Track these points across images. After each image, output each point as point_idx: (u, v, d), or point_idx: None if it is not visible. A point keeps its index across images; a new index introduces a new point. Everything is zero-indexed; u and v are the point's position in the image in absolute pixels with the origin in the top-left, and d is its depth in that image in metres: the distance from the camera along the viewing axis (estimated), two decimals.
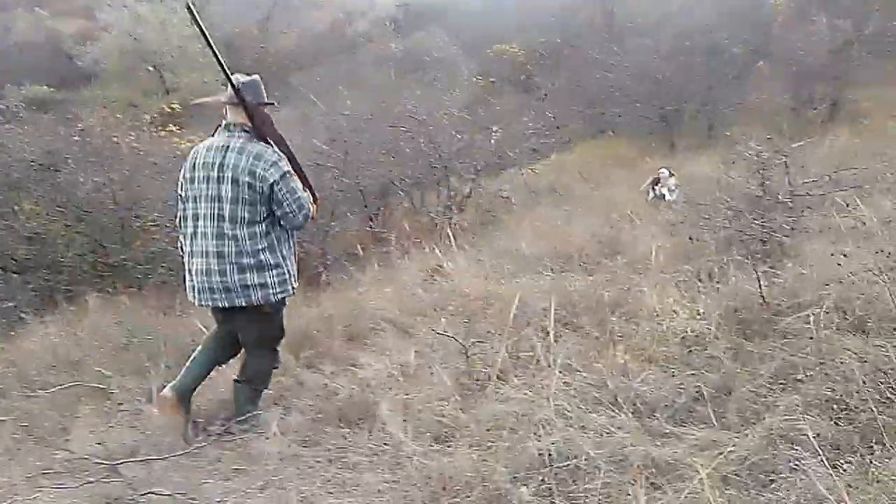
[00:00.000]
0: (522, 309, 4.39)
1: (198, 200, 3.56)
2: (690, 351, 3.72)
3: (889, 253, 3.91)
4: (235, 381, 3.79)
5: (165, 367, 4.41)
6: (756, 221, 5.11)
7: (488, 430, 3.18)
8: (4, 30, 35.07)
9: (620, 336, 3.92)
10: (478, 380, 3.72)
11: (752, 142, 9.18)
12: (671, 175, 9.05)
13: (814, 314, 3.66)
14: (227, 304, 3.58)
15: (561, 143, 13.89)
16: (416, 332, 4.67)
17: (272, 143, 3.61)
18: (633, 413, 3.18)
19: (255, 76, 3.72)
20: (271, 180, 3.48)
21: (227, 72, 3.47)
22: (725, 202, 6.03)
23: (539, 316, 4.27)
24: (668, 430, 3.02)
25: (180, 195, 3.69)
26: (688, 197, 7.10)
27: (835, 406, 2.92)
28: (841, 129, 10.14)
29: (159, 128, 11.09)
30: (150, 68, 26.34)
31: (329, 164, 7.44)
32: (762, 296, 4.09)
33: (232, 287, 3.52)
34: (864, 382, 2.99)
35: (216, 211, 3.51)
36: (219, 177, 3.49)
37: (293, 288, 3.77)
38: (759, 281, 4.14)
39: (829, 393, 3.02)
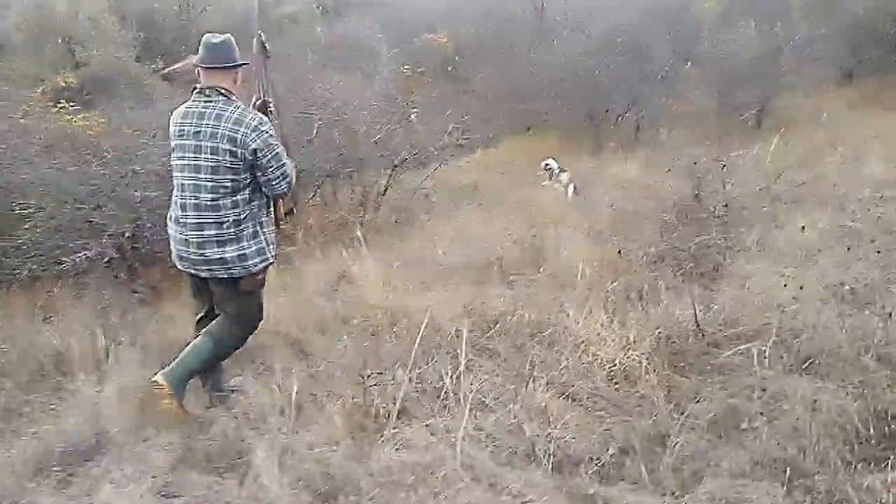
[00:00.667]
0: (433, 328, 3.90)
1: (178, 170, 3.42)
2: (618, 387, 3.27)
3: (839, 280, 3.53)
4: (197, 336, 3.56)
5: None
6: (690, 236, 4.74)
7: (381, 486, 2.66)
8: None
9: (541, 367, 3.44)
10: (376, 418, 3.18)
11: (682, 147, 9.05)
12: (561, 171, 8.97)
13: (756, 349, 3.25)
14: (206, 276, 3.48)
15: (486, 138, 13.49)
16: (312, 350, 4.11)
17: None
18: (552, 468, 2.71)
19: (226, 35, 3.48)
20: (253, 146, 3.30)
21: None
22: (656, 212, 5.73)
23: (451, 338, 3.75)
24: (593, 492, 2.55)
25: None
26: (614, 202, 6.71)
27: (787, 469, 2.48)
28: (769, 136, 9.95)
29: (53, 104, 10.13)
30: (60, 41, 24.64)
31: None
32: (697, 323, 3.68)
33: (212, 260, 3.38)
34: (817, 439, 2.58)
35: (195, 181, 3.35)
36: (196, 145, 3.33)
37: (273, 255, 3.58)
38: (693, 305, 3.72)
39: (778, 451, 2.59)
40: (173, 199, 3.49)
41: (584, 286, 4.36)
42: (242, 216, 3.39)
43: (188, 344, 3.53)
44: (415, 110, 10.55)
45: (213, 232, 3.35)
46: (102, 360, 4.06)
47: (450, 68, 20.43)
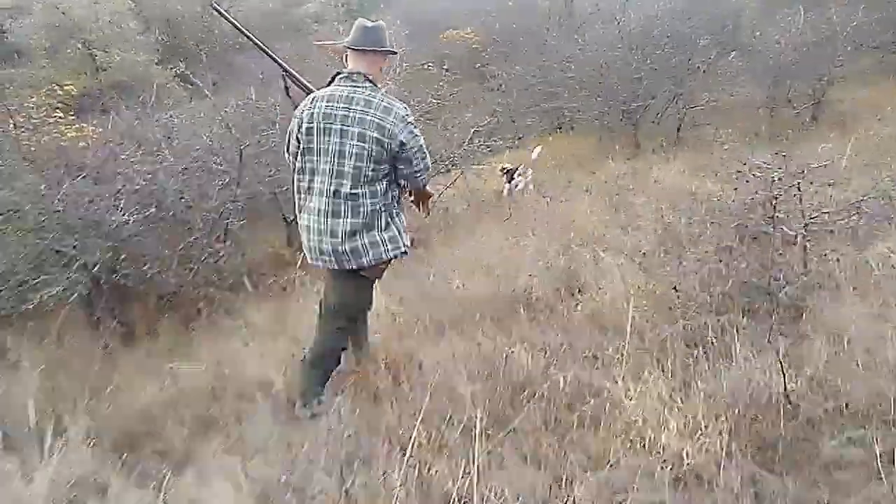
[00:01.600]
0: (445, 389, 3.09)
1: (314, 154, 3.28)
2: (688, 495, 2.42)
3: None
4: (304, 361, 3.50)
5: None
6: (761, 266, 3.85)
7: None
8: None
9: (582, 460, 2.59)
10: None
11: (731, 146, 8.11)
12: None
13: (877, 440, 2.38)
14: (335, 267, 3.36)
15: (514, 139, 12.64)
16: (295, 422, 3.31)
17: None
18: None
19: (380, 22, 3.40)
20: (401, 137, 3.23)
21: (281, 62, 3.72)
22: (714, 230, 4.83)
23: (462, 410, 2.92)
24: None
25: (295, 146, 3.36)
26: (661, 214, 5.83)
27: None
28: (826, 132, 8.95)
29: (49, 114, 9.49)
30: (79, 45, 24.21)
31: (221, 167, 5.96)
32: (787, 394, 2.80)
33: (342, 249, 3.28)
34: None
35: (336, 167, 3.24)
36: (342, 130, 3.22)
37: (405, 245, 3.46)
38: (781, 368, 2.85)
39: None
40: (303, 185, 3.35)
41: (633, 333, 3.50)
42: (378, 206, 3.29)
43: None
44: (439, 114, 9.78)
45: (349, 220, 3.25)
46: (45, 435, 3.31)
47: (477, 65, 19.49)
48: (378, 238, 3.30)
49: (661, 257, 4.95)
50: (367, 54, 3.30)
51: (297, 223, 3.52)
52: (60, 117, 9.09)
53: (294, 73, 3.76)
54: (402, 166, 3.30)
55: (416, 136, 3.29)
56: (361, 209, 3.25)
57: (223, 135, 6.35)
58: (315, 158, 3.27)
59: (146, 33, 26.97)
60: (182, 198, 5.56)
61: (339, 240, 3.25)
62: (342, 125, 3.20)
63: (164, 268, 5.21)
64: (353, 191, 3.22)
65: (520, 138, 11.92)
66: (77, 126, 8.99)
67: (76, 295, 4.86)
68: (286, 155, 3.50)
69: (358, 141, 3.19)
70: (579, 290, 4.42)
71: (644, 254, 5.04)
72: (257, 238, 6.60)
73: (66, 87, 17.73)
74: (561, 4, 17.93)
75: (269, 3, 37.67)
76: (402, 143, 3.21)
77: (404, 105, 3.30)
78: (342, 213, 3.24)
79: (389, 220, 3.35)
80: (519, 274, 4.74)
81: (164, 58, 26.43)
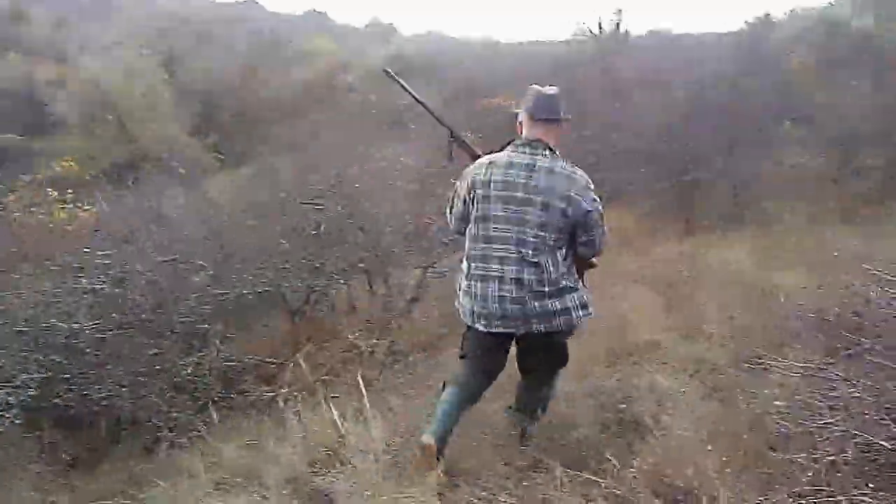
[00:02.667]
0: None
1: (492, 221, 3.21)
2: None
3: None
4: (519, 410, 3.54)
5: None
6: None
7: None
8: None
9: None
10: None
11: (800, 223, 7.03)
12: None
13: None
14: (522, 331, 3.26)
15: None
16: None
17: None
18: None
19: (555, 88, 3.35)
20: (585, 206, 3.18)
21: (450, 129, 3.59)
22: (806, 343, 3.80)
23: None
24: None
25: (461, 210, 3.35)
26: (731, 315, 4.78)
27: None
28: None
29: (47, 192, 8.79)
30: (109, 117, 24.16)
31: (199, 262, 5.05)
32: None
33: (531, 314, 3.19)
34: None
35: (517, 235, 3.18)
36: (524, 198, 3.16)
37: (592, 309, 3.34)
38: None
39: None
40: (476, 253, 3.27)
41: None
42: (561, 272, 3.23)
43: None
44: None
45: (534, 287, 3.18)
46: None
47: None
48: (569, 304, 3.23)
49: (737, 377, 3.90)
50: (545, 122, 3.25)
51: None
52: (58, 196, 8.39)
53: (461, 136, 3.72)
54: (582, 234, 3.24)
55: (598, 204, 3.23)
56: (545, 277, 3.17)
57: (219, 220, 5.55)
58: (493, 226, 3.21)
59: (181, 105, 26.99)
60: (151, 299, 4.68)
61: (527, 305, 3.17)
62: (524, 193, 3.15)
63: (120, 387, 4.29)
64: (536, 259, 3.15)
65: None
66: (71, 206, 8.22)
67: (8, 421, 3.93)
68: (448, 216, 3.53)
69: (542, 209, 3.14)
70: (636, 435, 3.34)
71: (716, 371, 3.99)
72: (245, 346, 5.66)
73: (64, 164, 17.20)
74: (602, 68, 17.11)
75: (311, 73, 38.09)
76: (586, 212, 3.17)
77: (584, 173, 3.23)
78: (527, 281, 3.16)
79: (576, 283, 3.30)
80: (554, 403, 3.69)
81: (198, 129, 26.33)
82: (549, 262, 3.17)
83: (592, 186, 3.21)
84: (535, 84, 3.39)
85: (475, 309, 3.27)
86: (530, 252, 3.14)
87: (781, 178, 10.21)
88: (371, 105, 26.11)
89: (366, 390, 3.94)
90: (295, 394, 4.33)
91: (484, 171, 3.24)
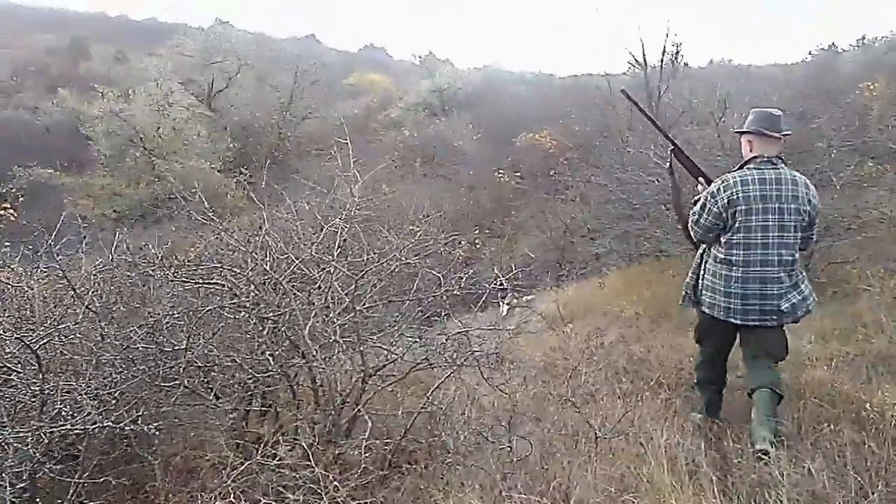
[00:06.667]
0: None
1: (757, 230, 3.87)
2: None
3: None
4: (761, 389, 3.85)
5: None
6: None
7: None
8: (32, 111, 33.77)
9: None
10: None
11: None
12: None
13: None
14: (775, 323, 3.95)
15: (582, 271, 10.04)
16: None
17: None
18: None
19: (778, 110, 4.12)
20: (818, 207, 4.00)
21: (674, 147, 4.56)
22: None
23: None
24: None
25: (713, 222, 4.00)
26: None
27: None
28: None
29: None
30: (137, 155, 23.33)
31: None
32: None
33: (784, 307, 3.90)
34: None
35: (780, 240, 3.88)
36: (780, 208, 3.86)
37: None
38: None
39: None
40: (733, 259, 3.94)
41: None
42: (797, 267, 4.01)
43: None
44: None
45: (783, 284, 3.90)
46: None
47: (551, 172, 17.01)
48: (804, 293, 3.99)
49: None
50: (772, 138, 3.98)
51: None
52: None
53: (686, 154, 4.53)
54: (809, 231, 4.03)
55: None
56: (792, 272, 3.95)
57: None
58: (755, 234, 3.89)
59: (218, 141, 26.14)
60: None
61: (781, 301, 3.89)
62: (778, 203, 3.86)
63: None
64: (789, 257, 3.91)
65: (587, 270, 9.20)
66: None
67: None
68: (695, 229, 4.14)
69: (796, 215, 3.88)
70: None
71: None
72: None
73: (82, 202, 16.08)
74: (645, 100, 15.32)
75: (355, 109, 37.27)
76: (818, 211, 4.00)
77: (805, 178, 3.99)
78: (782, 279, 3.89)
79: (803, 278, 4.04)
80: None
81: (232, 166, 25.34)
82: (794, 259, 3.95)
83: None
84: (759, 108, 4.17)
85: (728, 304, 3.98)
86: (788, 252, 3.91)
87: (866, 232, 8.15)
88: (406, 140, 24.98)
89: None
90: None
91: (738, 188, 3.90)
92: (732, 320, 3.95)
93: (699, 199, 4.14)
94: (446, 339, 4.35)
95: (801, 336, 5.64)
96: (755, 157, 3.95)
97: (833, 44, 33.49)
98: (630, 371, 5.49)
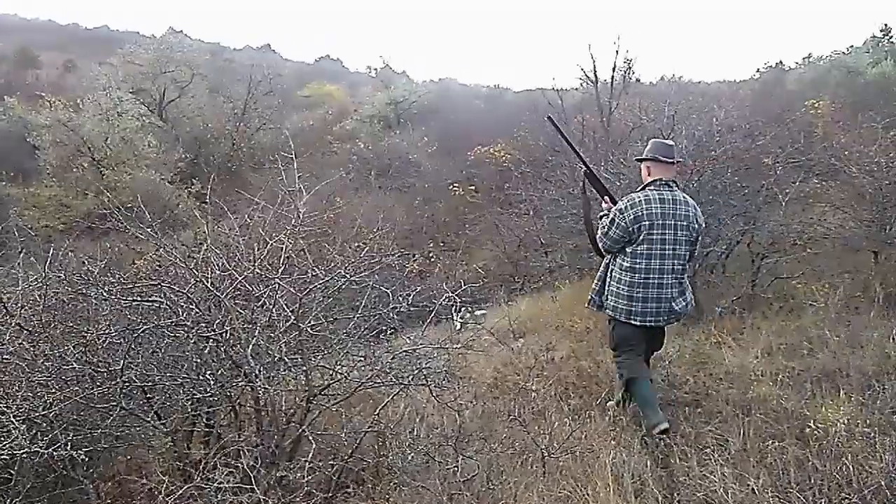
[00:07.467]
0: None
1: (659, 243, 4.54)
2: None
3: None
4: (650, 380, 4.66)
5: None
6: None
7: None
8: None
9: None
10: None
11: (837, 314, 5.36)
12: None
13: None
14: (662, 324, 4.78)
15: (535, 284, 10.06)
16: None
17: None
18: None
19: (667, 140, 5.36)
20: (703, 227, 4.86)
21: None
22: None
23: None
24: None
25: (620, 235, 4.61)
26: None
27: None
28: None
29: None
30: (84, 165, 22.75)
31: None
32: None
33: (675, 311, 4.66)
34: None
35: (676, 251, 4.59)
36: (676, 225, 4.57)
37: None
38: None
39: None
40: (640, 266, 4.58)
41: None
42: (686, 277, 4.81)
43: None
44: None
45: (677, 291, 4.65)
46: None
47: (506, 185, 17.01)
48: (689, 300, 4.77)
49: None
50: (669, 164, 4.72)
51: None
52: None
53: (598, 175, 5.23)
54: (694, 246, 4.82)
55: None
56: (683, 281, 4.73)
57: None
58: (656, 247, 4.55)
59: (169, 151, 25.54)
60: None
61: (674, 305, 4.64)
62: (674, 220, 4.56)
63: None
64: (682, 269, 4.68)
65: (540, 284, 9.21)
66: None
67: None
68: (603, 240, 4.75)
69: (687, 231, 4.62)
70: None
71: None
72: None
73: (27, 213, 15.35)
74: (601, 117, 15.50)
75: (311, 121, 36.91)
76: (702, 230, 4.85)
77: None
78: (675, 287, 4.64)
79: (689, 287, 4.83)
80: None
81: (184, 177, 24.82)
82: (686, 270, 4.79)
83: None
84: (657, 138, 5.12)
85: (637, 309, 4.60)
86: (680, 265, 4.66)
87: (809, 249, 8.37)
88: (361, 153, 24.85)
89: None
90: None
91: (643, 206, 4.53)
92: (633, 322, 4.59)
93: (607, 214, 4.76)
94: (392, 358, 4.27)
95: (749, 351, 5.70)
96: (655, 181, 4.65)
97: (780, 62, 34.37)
98: (579, 387, 5.49)
